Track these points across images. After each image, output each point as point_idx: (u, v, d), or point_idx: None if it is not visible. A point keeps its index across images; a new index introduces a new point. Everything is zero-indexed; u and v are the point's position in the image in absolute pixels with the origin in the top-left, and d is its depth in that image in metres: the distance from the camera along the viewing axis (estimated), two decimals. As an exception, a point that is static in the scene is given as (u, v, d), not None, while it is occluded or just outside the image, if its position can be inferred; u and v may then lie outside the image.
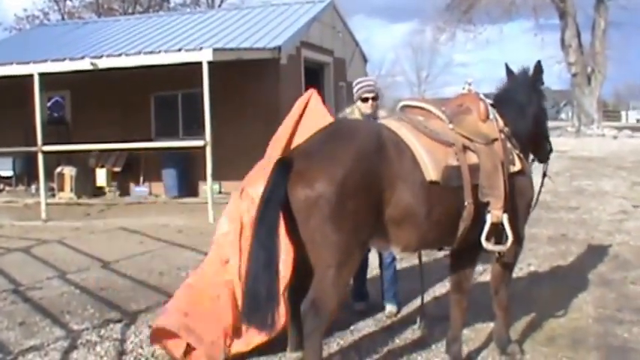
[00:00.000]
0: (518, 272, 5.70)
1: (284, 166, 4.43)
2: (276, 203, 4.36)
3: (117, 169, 18.46)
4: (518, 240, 5.15)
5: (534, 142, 5.54)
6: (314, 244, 4.37)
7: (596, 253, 8.88)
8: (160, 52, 14.85)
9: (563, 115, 72.69)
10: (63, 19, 42.19)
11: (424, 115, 5.01)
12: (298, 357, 5.11)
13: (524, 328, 6.04)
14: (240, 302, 4.74)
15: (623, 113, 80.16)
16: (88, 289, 7.86)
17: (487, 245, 4.92)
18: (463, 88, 5.51)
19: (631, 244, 9.48)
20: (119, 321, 6.60)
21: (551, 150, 5.72)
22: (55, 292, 7.76)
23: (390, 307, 6.60)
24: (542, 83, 5.55)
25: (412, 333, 6.03)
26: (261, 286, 4.36)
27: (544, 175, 5.73)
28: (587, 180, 16.84)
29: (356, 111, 6.57)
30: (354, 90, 6.62)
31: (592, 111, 41.62)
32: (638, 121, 73.62)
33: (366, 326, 6.29)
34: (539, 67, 5.52)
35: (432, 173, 4.56)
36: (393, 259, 6.72)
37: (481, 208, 4.81)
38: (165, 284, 8.01)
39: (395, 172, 4.47)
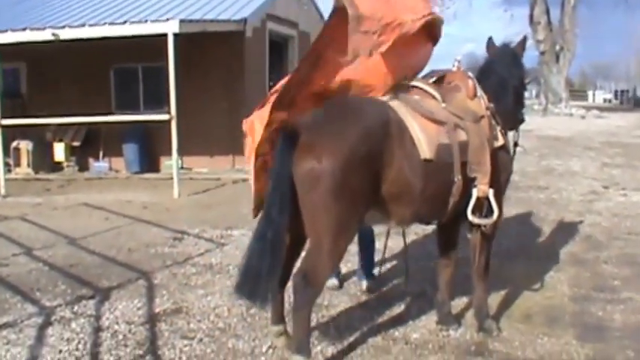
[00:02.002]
0: (491, 251, 5.78)
1: (290, 138, 4.46)
2: (285, 177, 4.43)
3: (76, 144, 18.02)
4: (500, 213, 5.25)
5: (510, 112, 5.64)
6: (314, 215, 4.44)
7: (568, 233, 8.97)
8: (124, 22, 14.44)
9: (527, 94, 72.56)
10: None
11: (419, 94, 5.11)
12: (280, 330, 5.12)
13: (500, 306, 6.09)
14: None
15: (589, 93, 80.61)
16: (56, 266, 7.69)
17: (473, 219, 5.09)
18: (453, 66, 5.55)
19: (602, 224, 9.58)
20: (92, 297, 6.48)
21: (522, 120, 5.80)
22: (22, 269, 7.58)
23: (368, 284, 6.60)
24: (522, 55, 5.69)
25: (389, 309, 6.03)
26: (264, 262, 4.46)
27: (515, 144, 5.76)
28: (556, 160, 16.98)
29: None
30: None
31: (560, 90, 41.90)
32: (605, 100, 74.13)
33: (341, 302, 6.28)
34: (524, 43, 5.68)
35: (426, 151, 4.68)
36: (373, 236, 6.73)
37: (468, 183, 4.95)
38: (135, 260, 7.90)
39: (395, 150, 4.57)
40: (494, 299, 6.16)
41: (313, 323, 5.56)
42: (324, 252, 4.45)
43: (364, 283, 6.63)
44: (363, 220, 4.73)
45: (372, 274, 6.71)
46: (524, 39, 5.72)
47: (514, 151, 5.70)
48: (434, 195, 4.78)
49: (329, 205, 4.36)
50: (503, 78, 5.53)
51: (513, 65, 5.58)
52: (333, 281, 6.61)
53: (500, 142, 5.27)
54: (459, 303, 6.07)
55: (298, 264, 4.76)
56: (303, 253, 4.83)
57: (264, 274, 4.48)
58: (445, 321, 5.58)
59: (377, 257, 6.84)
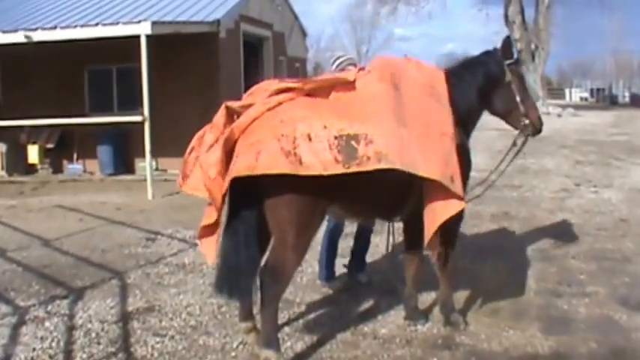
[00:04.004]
0: (461, 248, 5.88)
1: None
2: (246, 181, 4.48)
3: (50, 146, 17.81)
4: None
5: (505, 114, 5.67)
6: (277, 211, 4.56)
7: (538, 230, 9.11)
8: (96, 24, 14.41)
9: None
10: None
11: None
12: (249, 327, 5.20)
13: (468, 301, 6.21)
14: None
15: (567, 91, 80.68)
16: (30, 267, 7.72)
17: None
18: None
19: (573, 221, 9.70)
20: (66, 297, 6.54)
21: (532, 124, 5.65)
22: (-4, 270, 7.61)
23: (365, 277, 6.83)
24: (510, 57, 5.58)
25: (359, 305, 6.15)
26: (240, 257, 4.62)
27: (513, 144, 5.84)
28: (530, 158, 16.98)
29: None
30: (335, 63, 6.54)
31: (536, 88, 42.03)
32: (581, 99, 74.25)
33: (312, 299, 6.39)
34: (504, 44, 5.65)
35: None
36: (370, 236, 6.91)
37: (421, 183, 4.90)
38: (108, 261, 7.94)
39: None
40: (463, 294, 6.29)
41: (284, 320, 5.68)
42: (288, 247, 4.58)
43: (362, 277, 6.80)
44: (325, 215, 4.83)
45: (364, 269, 6.90)
46: (506, 39, 5.74)
47: (516, 153, 5.83)
48: (390, 194, 4.85)
49: (290, 202, 4.49)
50: (466, 80, 5.50)
51: (479, 68, 5.57)
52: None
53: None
54: (427, 298, 6.18)
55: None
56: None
57: (243, 269, 4.62)
58: (412, 316, 5.69)
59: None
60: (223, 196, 4.57)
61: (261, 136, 4.47)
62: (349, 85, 4.90)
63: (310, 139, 4.37)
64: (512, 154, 5.88)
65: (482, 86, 5.51)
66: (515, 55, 5.68)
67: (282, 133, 4.39)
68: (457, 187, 4.69)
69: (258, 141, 4.43)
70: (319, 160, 4.34)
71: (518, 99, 5.55)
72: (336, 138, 4.39)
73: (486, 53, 5.70)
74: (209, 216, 4.72)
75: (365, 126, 4.47)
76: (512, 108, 5.61)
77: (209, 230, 4.80)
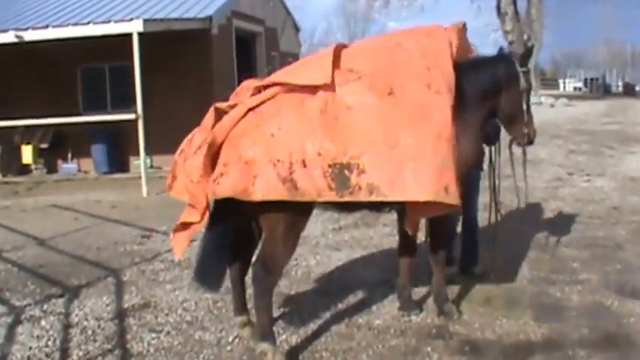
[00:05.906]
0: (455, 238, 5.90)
1: None
2: None
3: (44, 146, 17.82)
4: None
5: (510, 120, 5.70)
6: (266, 208, 4.56)
7: (531, 219, 9.13)
8: (88, 23, 14.42)
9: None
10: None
11: None
12: (244, 321, 5.24)
13: (462, 290, 6.25)
14: None
15: (561, 82, 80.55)
16: (26, 267, 7.75)
17: None
18: None
19: (565, 209, 9.77)
20: (61, 296, 6.56)
21: (528, 135, 5.80)
22: (-9, 271, 7.62)
23: (479, 269, 6.78)
24: (524, 65, 5.58)
25: (353, 297, 6.18)
26: (215, 251, 4.85)
27: (524, 153, 6.08)
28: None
29: None
30: None
31: (530, 79, 41.95)
32: (575, 89, 74.20)
33: (307, 291, 6.44)
34: (526, 52, 5.71)
35: None
36: (476, 224, 6.86)
37: None
38: (104, 259, 7.97)
39: None
40: (457, 284, 6.33)
41: (279, 313, 5.71)
42: (278, 241, 4.64)
43: (477, 269, 6.75)
44: (313, 208, 4.87)
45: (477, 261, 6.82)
46: (530, 49, 5.73)
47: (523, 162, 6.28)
48: None
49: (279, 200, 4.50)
50: (471, 79, 5.42)
51: (480, 71, 5.51)
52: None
53: None
54: (421, 289, 6.21)
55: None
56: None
57: (218, 258, 4.90)
58: (406, 306, 5.73)
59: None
60: (207, 200, 4.64)
61: (250, 149, 4.50)
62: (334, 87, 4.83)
63: (305, 166, 4.46)
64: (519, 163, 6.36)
65: (489, 87, 5.48)
66: (528, 66, 5.68)
67: (278, 159, 4.44)
68: (452, 196, 4.61)
69: (253, 161, 4.46)
70: (314, 187, 4.45)
71: (524, 107, 5.60)
72: (329, 166, 4.49)
73: (501, 56, 5.69)
74: (190, 215, 4.77)
75: (356, 153, 4.53)
76: (518, 115, 5.66)
77: (186, 226, 4.85)
